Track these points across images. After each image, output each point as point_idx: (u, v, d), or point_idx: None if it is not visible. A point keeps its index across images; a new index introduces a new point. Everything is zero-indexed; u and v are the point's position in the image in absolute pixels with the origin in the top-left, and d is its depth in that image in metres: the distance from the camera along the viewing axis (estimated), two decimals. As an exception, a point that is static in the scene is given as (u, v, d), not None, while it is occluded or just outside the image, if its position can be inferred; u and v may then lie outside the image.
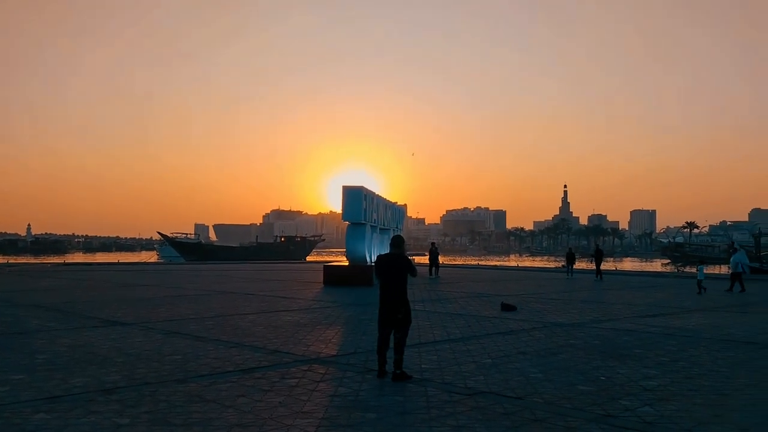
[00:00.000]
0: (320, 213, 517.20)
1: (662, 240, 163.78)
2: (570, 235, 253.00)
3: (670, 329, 12.33)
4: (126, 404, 6.35)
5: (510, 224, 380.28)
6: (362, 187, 25.38)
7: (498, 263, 75.07)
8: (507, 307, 15.58)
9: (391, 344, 7.70)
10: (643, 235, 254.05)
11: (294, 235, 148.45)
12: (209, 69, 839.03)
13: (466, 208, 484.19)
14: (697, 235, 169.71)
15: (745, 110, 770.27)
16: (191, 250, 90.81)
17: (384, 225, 29.88)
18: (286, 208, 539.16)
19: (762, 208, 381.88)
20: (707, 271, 26.01)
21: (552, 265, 68.16)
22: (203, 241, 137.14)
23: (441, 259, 37.73)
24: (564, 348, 10.01)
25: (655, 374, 7.98)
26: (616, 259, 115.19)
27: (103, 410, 6.11)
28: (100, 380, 7.46)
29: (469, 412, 6.09)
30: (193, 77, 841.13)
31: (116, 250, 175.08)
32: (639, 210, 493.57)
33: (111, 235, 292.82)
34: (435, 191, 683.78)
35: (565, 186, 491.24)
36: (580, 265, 41.98)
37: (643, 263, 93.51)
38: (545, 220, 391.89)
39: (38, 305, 16.36)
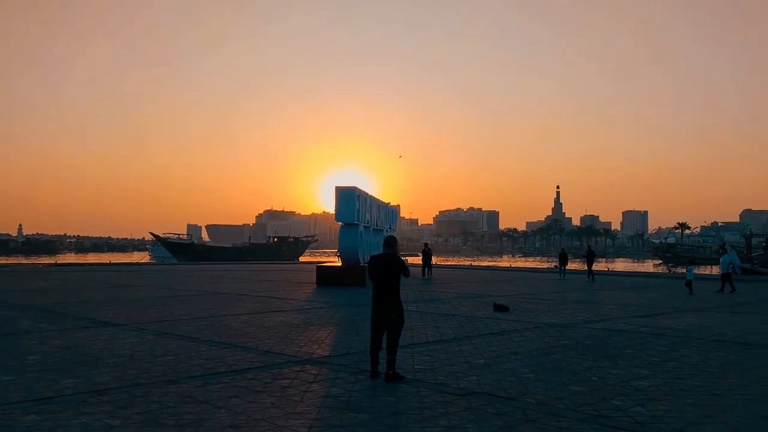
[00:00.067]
0: (313, 213, 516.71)
1: (654, 241, 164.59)
2: (562, 236, 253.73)
3: (662, 329, 12.37)
4: (117, 405, 6.32)
5: (503, 225, 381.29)
6: (355, 187, 25.38)
7: (491, 264, 75.23)
8: (499, 308, 15.61)
9: (384, 345, 7.69)
10: (635, 236, 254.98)
11: (287, 235, 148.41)
12: (202, 69, 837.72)
13: (459, 208, 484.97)
14: (688, 236, 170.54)
15: (736, 112, 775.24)
16: (183, 251, 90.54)
17: (377, 225, 29.88)
18: (279, 209, 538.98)
19: (753, 209, 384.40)
20: (697, 272, 26.14)
21: (544, 265, 68.34)
22: (196, 242, 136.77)
23: (434, 260, 37.77)
24: (556, 348, 10.03)
25: (647, 374, 8.01)
26: (609, 259, 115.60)
27: (94, 411, 6.09)
28: (92, 381, 7.42)
29: (462, 413, 6.10)
30: (186, 77, 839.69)
31: (108, 251, 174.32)
32: (631, 211, 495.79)
33: (103, 236, 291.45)
34: (428, 192, 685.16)
35: (558, 187, 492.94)
36: (572, 265, 42.08)
37: (635, 264, 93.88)
38: (538, 221, 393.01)
39: (29, 306, 16.28)
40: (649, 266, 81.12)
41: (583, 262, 35.08)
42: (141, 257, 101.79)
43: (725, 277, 22.72)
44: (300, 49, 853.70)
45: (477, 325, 12.76)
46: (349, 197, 24.82)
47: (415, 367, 8.35)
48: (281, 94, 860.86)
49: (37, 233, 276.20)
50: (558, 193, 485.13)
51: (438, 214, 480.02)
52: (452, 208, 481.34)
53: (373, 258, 8.05)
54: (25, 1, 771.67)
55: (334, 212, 25.42)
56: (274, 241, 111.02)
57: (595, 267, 33.23)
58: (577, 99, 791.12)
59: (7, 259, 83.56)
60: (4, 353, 9.36)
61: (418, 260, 39.88)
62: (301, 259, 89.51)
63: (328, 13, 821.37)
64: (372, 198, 28.85)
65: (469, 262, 77.63)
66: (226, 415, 5.98)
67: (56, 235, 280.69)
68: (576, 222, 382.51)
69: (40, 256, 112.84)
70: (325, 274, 25.26)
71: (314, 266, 29.61)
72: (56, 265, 48.30)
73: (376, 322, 7.74)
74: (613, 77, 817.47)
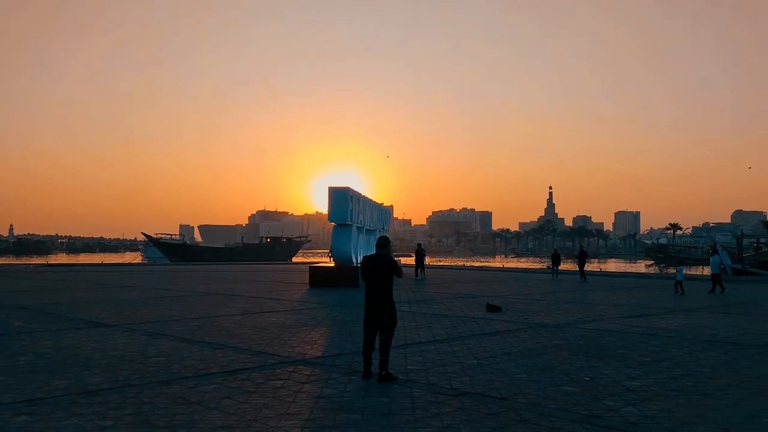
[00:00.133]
0: (306, 214, 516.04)
1: (646, 241, 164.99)
2: (555, 237, 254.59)
3: (654, 330, 12.43)
4: (109, 406, 6.29)
5: (496, 225, 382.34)
6: (348, 188, 25.39)
7: (483, 264, 75.34)
8: (492, 308, 15.64)
9: (377, 345, 7.69)
10: (627, 237, 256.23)
11: (280, 236, 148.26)
12: (194, 69, 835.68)
13: (453, 209, 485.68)
14: (680, 237, 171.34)
15: (729, 113, 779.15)
16: (176, 251, 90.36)
17: (370, 226, 29.90)
18: (272, 209, 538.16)
19: (744, 210, 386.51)
20: (688, 273, 26.28)
21: (537, 266, 68.50)
22: (188, 242, 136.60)
23: (427, 260, 37.79)
24: (548, 348, 10.06)
25: (639, 374, 8.04)
26: (601, 260, 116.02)
27: (85, 412, 6.06)
28: (83, 382, 7.39)
29: (454, 413, 6.11)
30: (178, 77, 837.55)
31: (100, 251, 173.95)
32: (623, 211, 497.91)
33: (95, 236, 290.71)
34: (421, 192, 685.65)
35: (551, 188, 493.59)
36: (564, 266, 42.22)
37: (627, 264, 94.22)
38: (531, 222, 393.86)
39: (20, 306, 16.19)
40: (641, 267, 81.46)
41: (575, 263, 35.20)
42: (133, 258, 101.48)
43: (716, 278, 22.85)
44: (293, 48, 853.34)
45: (470, 326, 12.78)
46: (342, 198, 24.83)
47: (408, 367, 8.35)
48: (274, 94, 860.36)
49: (29, 233, 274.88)
50: (551, 194, 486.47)
51: (431, 214, 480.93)
52: (445, 209, 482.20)
53: (366, 258, 8.05)
54: (16, 1, 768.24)
55: (327, 213, 25.43)
56: (266, 242, 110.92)
57: (588, 267, 33.37)
58: (570, 99, 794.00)
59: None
60: (-6, 354, 9.30)
61: (411, 261, 39.93)
62: (294, 259, 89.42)
63: (321, 12, 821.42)
64: (365, 198, 28.86)
65: (462, 263, 77.74)
66: (219, 416, 5.96)
67: (48, 235, 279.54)
68: (569, 222, 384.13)
69: (31, 256, 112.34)
70: (317, 275, 25.24)
71: (307, 267, 29.58)
72: (47, 265, 48.08)
73: (368, 323, 7.74)
74: (606, 78, 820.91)
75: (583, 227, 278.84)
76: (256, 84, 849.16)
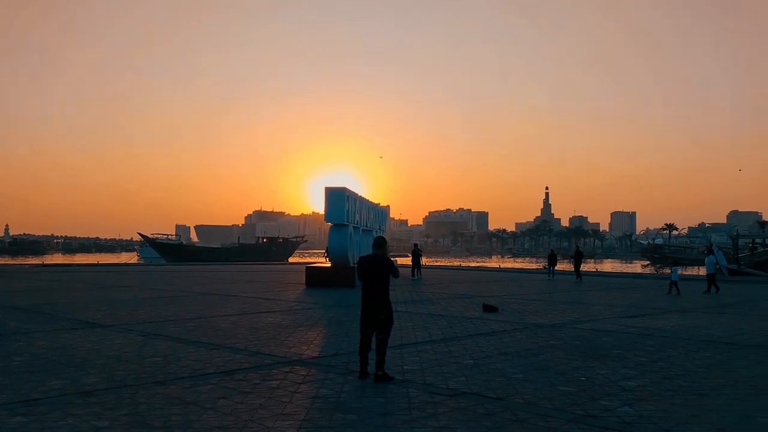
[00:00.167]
0: (303, 214, 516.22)
1: (642, 242, 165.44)
2: (551, 237, 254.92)
3: (649, 330, 12.45)
4: (105, 407, 6.28)
5: (492, 226, 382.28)
6: (345, 188, 25.36)
7: (480, 264, 75.41)
8: (488, 308, 15.65)
9: (373, 345, 7.69)
10: (623, 237, 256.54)
11: (276, 236, 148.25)
12: (192, 70, 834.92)
13: (449, 209, 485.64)
14: (676, 237, 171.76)
15: (725, 114, 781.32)
16: (172, 251, 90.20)
17: (367, 226, 29.86)
18: (269, 209, 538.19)
19: (740, 210, 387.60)
20: (683, 273, 26.36)
21: (533, 266, 68.59)
22: (184, 242, 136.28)
23: (423, 261, 37.80)
24: (545, 349, 10.07)
25: (634, 375, 8.06)
26: (597, 260, 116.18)
27: (81, 413, 6.05)
28: (79, 383, 7.37)
29: (451, 413, 6.11)
30: (176, 78, 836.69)
31: (96, 251, 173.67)
32: (619, 212, 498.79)
33: (91, 236, 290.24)
34: (418, 193, 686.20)
35: (547, 188, 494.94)
36: (561, 266, 42.25)
37: (623, 265, 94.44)
38: (527, 222, 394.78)
39: (16, 307, 16.15)
40: (637, 267, 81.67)
41: (571, 263, 35.29)
42: (129, 258, 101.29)
43: (711, 278, 22.93)
44: (290, 49, 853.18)
45: (466, 326, 12.79)
46: (338, 198, 24.81)
47: (405, 367, 8.36)
48: (271, 95, 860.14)
49: (24, 233, 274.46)
50: (547, 194, 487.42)
51: (428, 214, 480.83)
52: (442, 209, 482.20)
53: (362, 259, 8.05)
54: (15, 1, 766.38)
55: (323, 213, 25.40)
56: (263, 242, 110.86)
57: (584, 268, 33.45)
58: (566, 100, 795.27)
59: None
60: (-11, 354, 9.27)
61: (407, 261, 39.91)
62: (291, 259, 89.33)
63: (319, 13, 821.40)
64: (362, 199, 28.84)
65: (459, 263, 77.73)
66: (215, 416, 5.96)
67: (43, 235, 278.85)
68: (565, 223, 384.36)
69: (27, 256, 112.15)
70: (314, 275, 25.22)
71: (303, 267, 29.56)
72: (43, 265, 47.95)
73: (365, 323, 7.74)
74: (603, 78, 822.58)
75: (580, 227, 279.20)
76: (254, 84, 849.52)
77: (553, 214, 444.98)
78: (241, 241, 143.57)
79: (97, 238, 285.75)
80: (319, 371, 8.12)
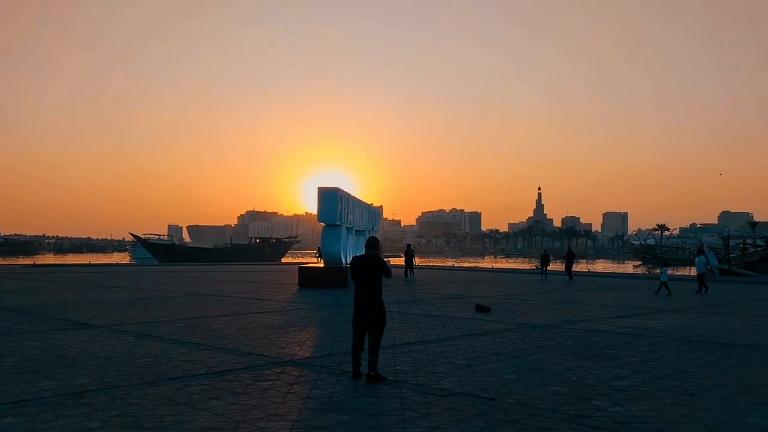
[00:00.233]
0: (296, 214, 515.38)
1: (634, 242, 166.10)
2: (544, 237, 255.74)
3: (641, 330, 12.49)
4: (96, 408, 6.25)
5: (485, 226, 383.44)
6: (338, 188, 25.36)
7: (473, 265, 75.49)
8: (481, 309, 15.67)
9: (366, 346, 7.69)
10: (615, 237, 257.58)
11: (269, 236, 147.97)
12: (184, 70, 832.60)
13: (442, 209, 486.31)
14: (667, 238, 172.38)
15: (716, 115, 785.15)
16: (164, 252, 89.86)
17: (360, 226, 29.87)
18: (261, 210, 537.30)
19: (731, 210, 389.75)
20: (674, 273, 26.50)
21: (526, 266, 68.72)
22: (176, 243, 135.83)
23: (416, 261, 37.81)
24: (537, 349, 10.09)
25: (626, 374, 8.08)
26: (589, 260, 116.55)
27: (72, 414, 6.02)
28: (70, 383, 7.34)
29: (443, 413, 6.11)
30: (169, 78, 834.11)
31: (88, 252, 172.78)
32: (611, 212, 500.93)
33: (82, 236, 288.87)
34: (411, 193, 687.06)
35: (540, 188, 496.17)
36: (554, 266, 42.35)
37: (615, 265, 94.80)
38: (520, 222, 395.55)
39: (7, 307, 16.05)
40: (628, 267, 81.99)
41: (563, 263, 35.42)
42: (121, 258, 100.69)
43: (701, 278, 23.07)
44: (283, 50, 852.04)
45: (459, 326, 12.80)
46: (331, 198, 24.79)
47: (397, 368, 8.35)
48: (264, 95, 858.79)
49: (16, 234, 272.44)
50: (539, 195, 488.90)
51: (420, 215, 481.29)
52: (435, 210, 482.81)
53: (355, 259, 8.04)
54: (9, 2, 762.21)
55: (316, 213, 25.38)
56: (256, 242, 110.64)
57: (576, 268, 33.56)
58: (558, 101, 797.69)
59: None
60: (-20, 355, 9.21)
61: (400, 261, 39.93)
62: (284, 260, 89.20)
63: (312, 14, 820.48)
64: (355, 199, 28.84)
65: (452, 263, 77.83)
66: (207, 417, 5.94)
67: (35, 235, 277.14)
68: (557, 223, 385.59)
69: (18, 256, 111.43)
70: (307, 276, 25.19)
71: (296, 267, 29.51)
72: (34, 266, 47.69)
73: (357, 323, 7.73)
74: (595, 79, 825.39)
75: (572, 228, 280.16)
76: (246, 85, 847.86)
77: (545, 214, 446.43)
78: (233, 242, 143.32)
79: (89, 238, 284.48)
80: (311, 372, 8.11)
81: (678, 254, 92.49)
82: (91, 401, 6.50)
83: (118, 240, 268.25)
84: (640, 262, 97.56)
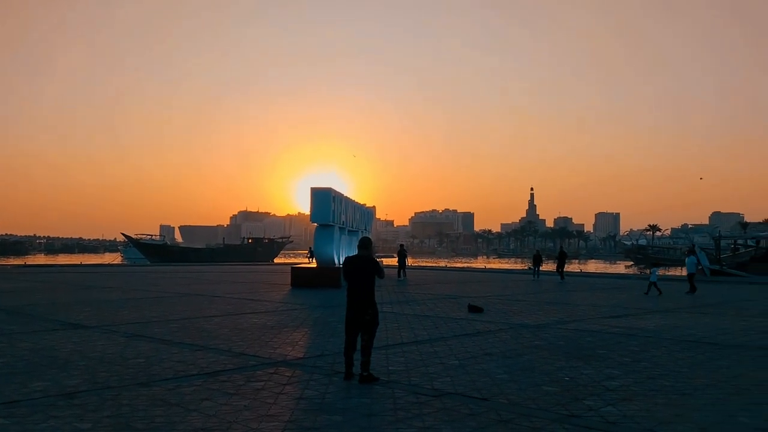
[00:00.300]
0: (288, 214, 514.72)
1: (626, 242, 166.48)
2: (536, 238, 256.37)
3: (633, 330, 12.54)
4: (87, 409, 6.22)
5: (478, 226, 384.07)
6: (331, 188, 25.33)
7: (465, 265, 75.57)
8: (474, 309, 15.68)
9: (359, 346, 7.68)
10: (607, 238, 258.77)
11: (262, 236, 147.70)
12: (178, 71, 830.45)
13: (435, 210, 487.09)
14: (659, 238, 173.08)
15: (708, 116, 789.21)
16: (156, 252, 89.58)
17: (352, 227, 29.86)
18: (254, 210, 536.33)
19: (722, 211, 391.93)
20: (664, 273, 26.63)
21: (519, 266, 68.86)
22: (169, 243, 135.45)
23: (409, 261, 37.83)
24: (529, 349, 10.11)
25: (618, 374, 8.11)
26: (581, 261, 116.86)
27: (63, 415, 5.98)
28: (61, 384, 7.30)
29: (436, 414, 6.11)
30: (162, 78, 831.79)
31: (79, 252, 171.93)
32: (603, 213, 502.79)
33: (74, 237, 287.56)
34: (404, 193, 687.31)
35: (532, 189, 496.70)
36: (546, 266, 42.45)
37: (607, 265, 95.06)
38: (512, 223, 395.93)
39: (-3, 308, 15.95)
40: (620, 268, 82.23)
41: (555, 263, 35.53)
42: (113, 258, 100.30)
43: (692, 278, 23.21)
44: (277, 50, 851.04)
45: (451, 327, 12.81)
46: (324, 198, 24.77)
47: (390, 368, 8.35)
48: (257, 95, 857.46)
49: (6, 234, 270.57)
50: (532, 195, 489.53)
51: (413, 215, 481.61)
52: (428, 210, 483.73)
53: (347, 259, 8.03)
54: (5, 2, 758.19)
55: (309, 213, 25.35)
56: (248, 242, 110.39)
57: (568, 268, 33.67)
58: (551, 101, 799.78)
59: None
60: (-30, 356, 9.15)
61: (393, 261, 39.93)
62: (276, 260, 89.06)
63: (306, 14, 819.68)
64: (347, 199, 28.82)
65: (444, 264, 77.85)
66: (198, 417, 5.92)
67: (26, 235, 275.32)
68: (550, 224, 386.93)
69: (8, 257, 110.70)
70: (299, 276, 25.17)
71: (289, 268, 29.47)
72: (25, 266, 47.43)
73: (350, 324, 7.72)
74: (588, 80, 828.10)
75: (564, 228, 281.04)
76: (240, 85, 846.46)
77: (538, 215, 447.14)
78: (226, 242, 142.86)
79: (81, 238, 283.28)
80: (304, 372, 8.09)
81: (669, 254, 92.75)
82: (82, 402, 6.47)
83: (110, 240, 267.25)
84: (632, 263, 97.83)
